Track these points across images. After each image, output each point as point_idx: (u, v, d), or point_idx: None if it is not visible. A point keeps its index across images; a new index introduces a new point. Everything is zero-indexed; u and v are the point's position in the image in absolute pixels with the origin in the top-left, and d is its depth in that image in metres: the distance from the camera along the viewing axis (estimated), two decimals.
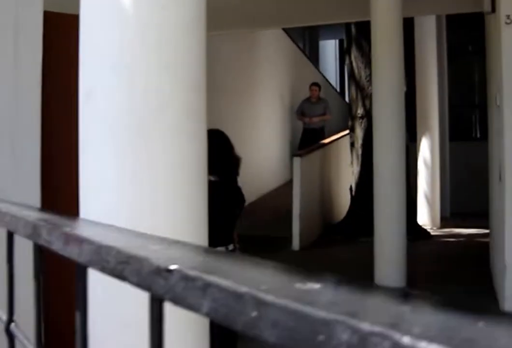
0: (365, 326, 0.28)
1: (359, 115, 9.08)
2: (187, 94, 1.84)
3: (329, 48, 19.11)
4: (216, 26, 7.56)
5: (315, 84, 11.49)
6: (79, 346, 0.65)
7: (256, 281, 0.35)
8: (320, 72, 14.96)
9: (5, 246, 0.87)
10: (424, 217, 9.53)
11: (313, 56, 16.50)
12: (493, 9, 5.47)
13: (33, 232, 0.75)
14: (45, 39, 3.00)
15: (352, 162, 9.30)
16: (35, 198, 2.81)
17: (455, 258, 7.59)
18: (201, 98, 1.90)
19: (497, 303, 5.36)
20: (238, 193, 3.83)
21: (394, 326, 0.28)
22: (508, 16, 4.97)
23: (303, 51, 14.35)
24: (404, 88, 6.80)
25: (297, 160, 8.33)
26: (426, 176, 9.65)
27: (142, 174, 1.77)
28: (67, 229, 0.69)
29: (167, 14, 1.81)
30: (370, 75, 7.46)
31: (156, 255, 0.46)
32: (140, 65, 1.80)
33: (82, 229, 0.69)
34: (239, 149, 4.09)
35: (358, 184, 9.09)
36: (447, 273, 6.82)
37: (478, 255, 7.37)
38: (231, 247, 3.73)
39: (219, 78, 9.17)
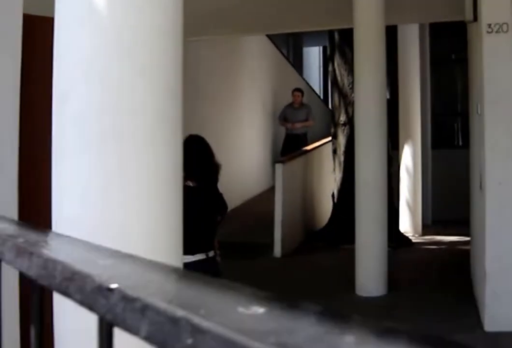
0: None
1: (342, 122, 9.08)
2: (162, 97, 1.81)
3: (313, 55, 19.15)
4: (199, 31, 7.54)
5: (297, 89, 11.48)
6: None
7: (197, 304, 0.32)
8: (304, 79, 14.98)
9: None
10: (406, 225, 9.54)
11: (297, 63, 16.53)
12: (475, 18, 5.50)
13: None
14: (24, 41, 2.97)
15: (334, 169, 9.30)
16: (12, 199, 2.77)
17: (436, 265, 7.60)
18: (177, 101, 1.88)
19: (477, 311, 5.37)
20: (219, 199, 3.81)
21: None
22: (489, 25, 4.99)
23: (287, 58, 14.36)
24: (387, 96, 6.81)
25: (279, 167, 8.30)
26: (408, 183, 9.67)
27: (114, 179, 1.74)
28: (20, 240, 0.66)
29: (142, 16, 1.79)
30: (353, 82, 7.46)
31: (101, 272, 0.43)
32: (114, 68, 1.77)
33: (35, 241, 0.66)
34: (221, 155, 4.07)
35: (340, 191, 9.08)
36: (428, 281, 6.82)
37: (459, 262, 7.38)
38: (211, 253, 3.69)
39: (201, 84, 9.14)
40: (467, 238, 7.31)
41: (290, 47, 17.21)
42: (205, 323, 0.30)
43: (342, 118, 9.06)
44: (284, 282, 6.56)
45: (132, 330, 0.36)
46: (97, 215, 1.78)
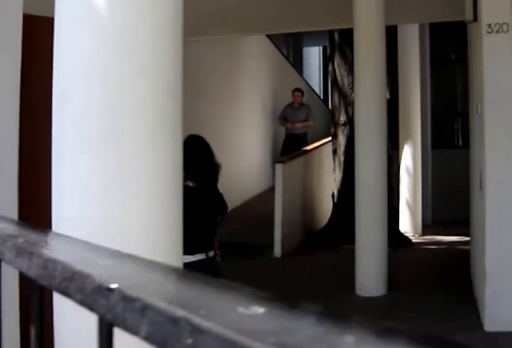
0: None
1: (342, 122, 9.08)
2: (162, 97, 1.81)
3: (313, 55, 19.15)
4: (199, 31, 7.54)
5: (297, 89, 11.48)
6: None
7: (197, 304, 0.32)
8: (304, 79, 14.98)
9: None
10: (406, 225, 9.54)
11: (297, 63, 16.52)
12: (475, 18, 5.50)
13: None
14: (24, 41, 2.97)
15: (334, 169, 9.30)
16: (12, 199, 2.77)
17: (436, 265, 7.59)
18: (177, 101, 1.87)
19: (477, 311, 5.37)
20: (219, 199, 3.81)
21: None
22: (489, 25, 4.99)
23: (287, 58, 14.36)
24: (387, 96, 6.81)
25: (279, 167, 8.30)
26: (408, 183, 9.66)
27: (114, 179, 1.74)
28: (20, 240, 0.66)
29: (142, 16, 1.79)
30: (353, 82, 7.46)
31: (101, 272, 0.43)
32: (114, 68, 1.77)
33: (35, 241, 0.66)
34: (221, 155, 4.07)
35: (340, 191, 9.08)
36: (428, 281, 6.82)
37: (459, 262, 7.38)
38: (211, 253, 3.69)
39: (201, 84, 9.14)
40: (467, 238, 7.30)
41: (290, 47, 17.20)
42: (205, 323, 0.30)
43: (342, 118, 9.06)
44: (284, 282, 6.56)
45: (132, 330, 0.36)
46: (97, 215, 1.78)
